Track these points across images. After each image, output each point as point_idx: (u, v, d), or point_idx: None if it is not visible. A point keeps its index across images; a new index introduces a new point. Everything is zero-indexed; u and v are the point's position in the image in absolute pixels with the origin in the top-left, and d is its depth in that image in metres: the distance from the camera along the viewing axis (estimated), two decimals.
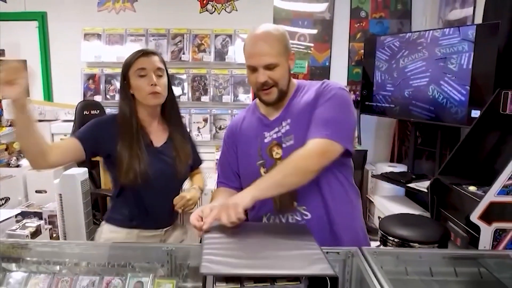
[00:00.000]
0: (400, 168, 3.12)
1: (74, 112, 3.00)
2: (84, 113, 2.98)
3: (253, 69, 1.26)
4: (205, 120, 3.50)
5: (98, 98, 3.45)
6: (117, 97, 3.21)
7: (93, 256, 1.23)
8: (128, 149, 1.40)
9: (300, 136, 1.23)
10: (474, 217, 1.76)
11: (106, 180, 2.90)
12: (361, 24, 3.47)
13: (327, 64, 3.51)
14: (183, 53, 3.44)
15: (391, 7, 3.43)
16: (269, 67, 1.24)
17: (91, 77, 3.50)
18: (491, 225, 1.75)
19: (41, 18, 3.48)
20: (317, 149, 1.17)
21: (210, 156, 3.47)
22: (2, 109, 3.18)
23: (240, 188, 1.33)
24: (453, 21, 2.93)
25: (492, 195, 1.74)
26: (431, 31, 2.69)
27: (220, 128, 3.51)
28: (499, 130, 2.06)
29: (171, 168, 1.48)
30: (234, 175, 1.42)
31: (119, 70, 1.72)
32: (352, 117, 1.27)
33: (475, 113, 2.33)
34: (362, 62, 3.36)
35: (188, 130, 1.73)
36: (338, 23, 3.47)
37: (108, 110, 3.23)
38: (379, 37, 3.14)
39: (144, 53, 1.44)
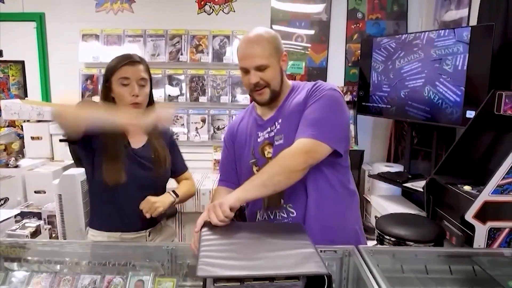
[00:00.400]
0: (396, 168, 3.14)
1: None
2: None
3: (245, 71, 1.29)
4: (203, 121, 3.51)
5: (96, 99, 3.43)
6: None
7: (94, 255, 1.25)
8: (104, 150, 1.41)
9: (290, 136, 1.25)
10: (469, 216, 1.78)
11: None
12: (358, 25, 3.49)
13: (324, 65, 3.53)
14: (181, 54, 3.44)
15: (387, 9, 3.45)
16: (260, 69, 1.26)
17: (89, 77, 3.51)
18: (486, 224, 1.77)
19: (39, 19, 3.48)
20: (302, 149, 1.18)
21: (208, 157, 3.49)
22: (0, 110, 3.18)
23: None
24: (448, 22, 2.96)
25: (486, 194, 1.76)
26: (426, 33, 2.72)
27: (218, 129, 3.52)
28: (494, 130, 2.09)
29: (148, 171, 1.47)
30: (235, 174, 1.44)
31: None
32: (342, 118, 1.27)
33: (470, 114, 2.36)
34: (359, 63, 3.38)
35: (175, 135, 1.71)
36: (335, 24, 3.49)
37: None
38: (376, 38, 3.16)
39: (129, 62, 1.42)
